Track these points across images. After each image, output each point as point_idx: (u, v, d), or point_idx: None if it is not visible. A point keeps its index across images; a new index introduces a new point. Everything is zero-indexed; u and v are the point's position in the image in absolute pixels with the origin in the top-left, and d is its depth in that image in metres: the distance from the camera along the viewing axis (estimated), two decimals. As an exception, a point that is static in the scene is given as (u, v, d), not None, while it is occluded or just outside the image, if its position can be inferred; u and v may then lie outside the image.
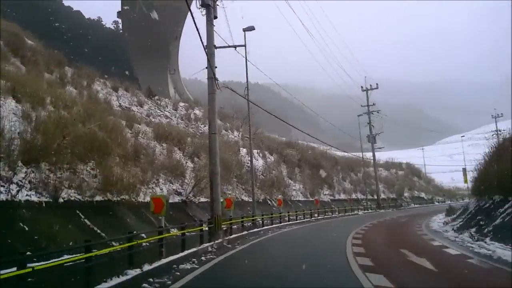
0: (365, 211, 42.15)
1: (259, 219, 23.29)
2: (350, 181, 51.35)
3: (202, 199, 23.05)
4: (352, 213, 39.41)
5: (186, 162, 26.09)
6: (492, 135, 65.28)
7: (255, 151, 41.15)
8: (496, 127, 61.35)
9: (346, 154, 56.45)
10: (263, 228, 21.48)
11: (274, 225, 23.57)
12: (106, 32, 79.05)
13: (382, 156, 71.28)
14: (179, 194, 21.64)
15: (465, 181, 63.48)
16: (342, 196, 45.72)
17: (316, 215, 33.02)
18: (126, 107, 35.88)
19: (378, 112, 44.47)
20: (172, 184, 22.40)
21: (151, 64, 56.91)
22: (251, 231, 18.80)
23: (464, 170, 61.80)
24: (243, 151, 38.69)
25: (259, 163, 38.81)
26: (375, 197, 48.08)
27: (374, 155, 47.17)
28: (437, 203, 56.28)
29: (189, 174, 24.44)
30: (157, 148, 25.20)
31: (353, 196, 46.97)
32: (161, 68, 60.60)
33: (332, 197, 43.69)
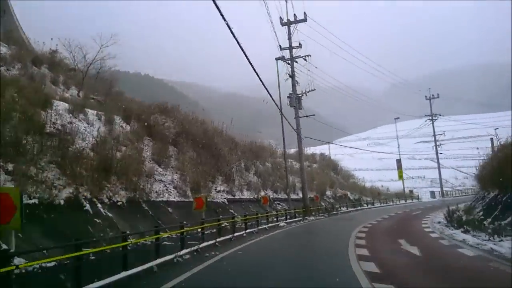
0: (288, 220, 25.69)
1: None
2: (256, 172, 34.58)
3: None
4: (268, 224, 22.55)
5: None
6: (426, 120, 55.18)
7: (92, 111, 22.28)
8: (431, 110, 50.78)
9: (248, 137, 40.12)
10: None
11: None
12: None
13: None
14: None
15: (400, 177, 51.73)
16: (246, 195, 28.70)
17: (201, 230, 15.20)
18: None
19: (305, 60, 28.39)
20: None
21: None
22: None
23: (399, 161, 49.64)
24: (60, 105, 19.78)
25: (92, 129, 20.05)
26: (296, 196, 31.94)
27: (298, 124, 30.74)
28: (371, 206, 42.34)
29: None
30: None
31: (262, 193, 30.13)
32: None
33: (231, 196, 26.38)
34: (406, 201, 46.47)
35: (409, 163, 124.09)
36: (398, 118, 49.79)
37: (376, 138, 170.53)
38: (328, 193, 41.90)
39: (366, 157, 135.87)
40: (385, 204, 43.12)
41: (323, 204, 36.75)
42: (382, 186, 69.18)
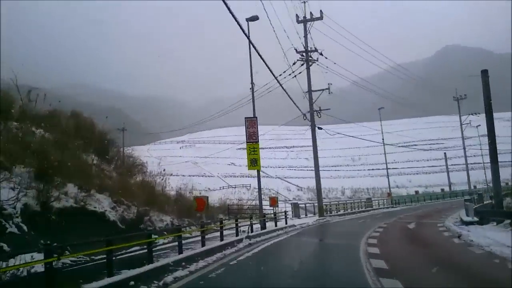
0: None
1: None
2: None
3: None
4: None
5: None
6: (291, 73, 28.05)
7: None
8: (309, 74, 24.98)
9: None
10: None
11: None
12: None
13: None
14: None
15: (253, 164, 23.41)
16: None
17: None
18: None
19: None
20: None
21: None
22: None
23: (253, 135, 21.35)
24: None
25: None
26: None
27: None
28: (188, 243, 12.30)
29: None
30: None
31: None
32: None
33: None
34: (264, 223, 18.07)
35: (230, 170, 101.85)
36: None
37: (193, 142, 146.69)
38: (57, 204, 11.04)
39: (177, 161, 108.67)
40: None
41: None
42: (200, 193, 42.40)
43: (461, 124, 49.51)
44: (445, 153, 61.46)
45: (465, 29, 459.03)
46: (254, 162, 17.58)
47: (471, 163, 59.02)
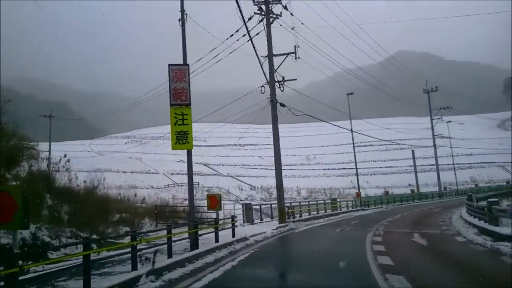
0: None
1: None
2: None
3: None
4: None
5: None
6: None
7: None
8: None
9: None
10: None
11: None
12: None
13: None
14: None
15: (178, 146, 16.83)
16: None
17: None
18: None
19: None
20: None
21: None
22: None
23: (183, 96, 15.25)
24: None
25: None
26: None
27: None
28: None
29: None
30: None
31: None
32: None
33: None
34: (196, 239, 11.39)
35: (178, 167, 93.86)
36: None
37: (140, 137, 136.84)
38: None
39: (120, 156, 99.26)
40: None
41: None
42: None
43: (431, 119, 45.14)
44: (413, 151, 57.33)
45: (417, 35, 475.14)
46: (182, 138, 10.75)
47: (432, 164, 55.50)
